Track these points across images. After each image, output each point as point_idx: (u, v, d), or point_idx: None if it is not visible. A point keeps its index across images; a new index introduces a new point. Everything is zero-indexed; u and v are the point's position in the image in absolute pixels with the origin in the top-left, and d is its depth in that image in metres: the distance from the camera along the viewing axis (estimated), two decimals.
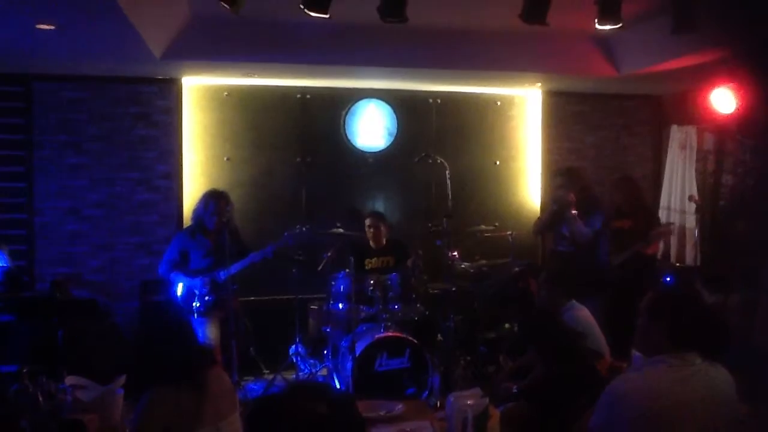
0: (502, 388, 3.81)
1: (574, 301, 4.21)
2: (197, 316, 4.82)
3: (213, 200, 4.92)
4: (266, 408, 1.51)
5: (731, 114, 5.44)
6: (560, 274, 4.41)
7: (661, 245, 6.18)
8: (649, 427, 2.16)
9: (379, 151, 6.50)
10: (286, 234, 4.97)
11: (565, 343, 3.50)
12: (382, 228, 5.63)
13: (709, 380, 2.24)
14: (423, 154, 5.68)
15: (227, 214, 4.92)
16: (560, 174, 5.78)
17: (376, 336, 4.80)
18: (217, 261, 4.83)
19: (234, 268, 4.75)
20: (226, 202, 4.97)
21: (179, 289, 4.89)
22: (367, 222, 5.65)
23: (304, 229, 5.05)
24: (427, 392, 4.64)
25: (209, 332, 4.84)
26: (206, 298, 4.81)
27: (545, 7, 3.78)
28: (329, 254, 5.28)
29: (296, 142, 6.36)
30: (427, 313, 5.28)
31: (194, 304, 4.81)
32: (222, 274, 4.78)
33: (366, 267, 5.53)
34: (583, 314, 4.13)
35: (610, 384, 2.31)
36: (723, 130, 6.09)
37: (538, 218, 6.18)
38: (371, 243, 5.66)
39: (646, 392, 2.19)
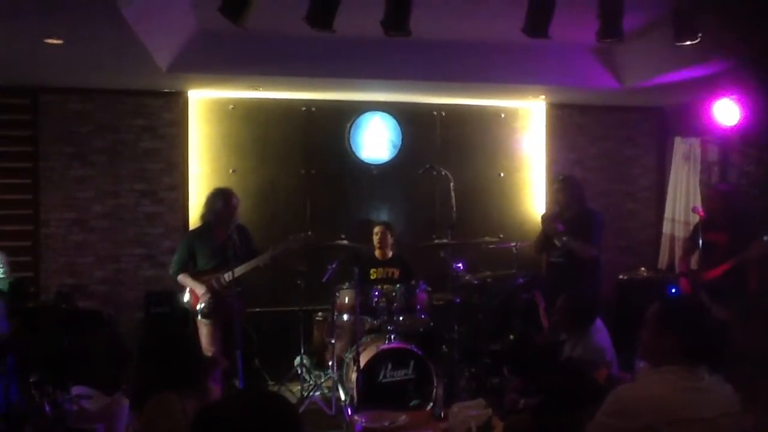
0: (508, 400, 3.80)
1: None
2: (200, 318, 4.85)
3: (224, 197, 5.00)
4: (206, 416, 1.54)
5: (735, 125, 5.44)
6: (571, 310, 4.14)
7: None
8: None
9: (384, 163, 6.53)
10: (290, 237, 5.00)
11: (552, 358, 3.49)
12: (388, 235, 5.71)
13: (719, 397, 2.21)
14: (427, 166, 5.69)
15: (236, 213, 5.01)
16: (553, 182, 5.78)
17: (381, 347, 4.80)
18: (222, 262, 4.81)
19: (238, 271, 4.76)
20: (236, 198, 5.07)
21: (186, 293, 4.94)
22: (375, 229, 5.75)
23: (309, 233, 5.10)
24: (431, 403, 4.63)
25: (212, 335, 4.85)
26: (210, 300, 4.82)
27: (547, 21, 3.80)
28: (334, 266, 5.29)
29: (301, 154, 6.40)
30: (431, 324, 5.28)
31: (198, 306, 4.84)
32: (226, 276, 4.80)
33: (371, 277, 5.56)
34: (593, 341, 3.98)
35: (615, 391, 2.26)
36: (727, 141, 6.09)
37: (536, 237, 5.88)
38: (377, 253, 5.73)
39: (657, 404, 2.15)
